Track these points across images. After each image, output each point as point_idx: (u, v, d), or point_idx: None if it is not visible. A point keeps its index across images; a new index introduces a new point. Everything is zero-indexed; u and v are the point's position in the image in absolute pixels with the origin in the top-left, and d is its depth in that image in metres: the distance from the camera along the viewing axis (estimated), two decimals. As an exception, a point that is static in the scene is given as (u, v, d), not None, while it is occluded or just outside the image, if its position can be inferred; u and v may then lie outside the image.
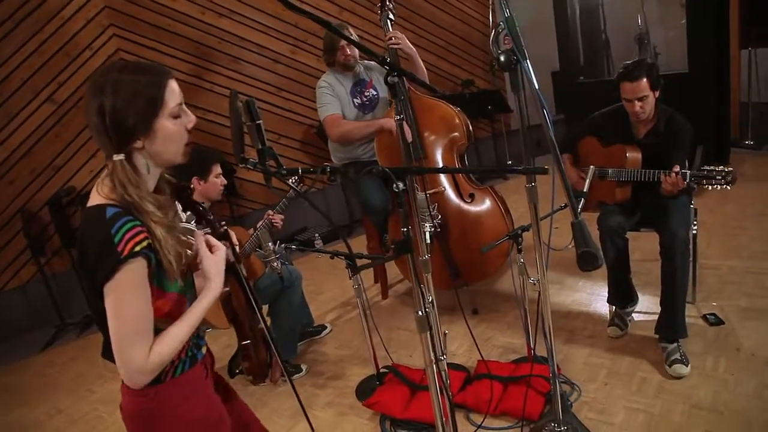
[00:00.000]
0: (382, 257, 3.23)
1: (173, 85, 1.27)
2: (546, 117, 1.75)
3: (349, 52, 3.48)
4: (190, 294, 1.39)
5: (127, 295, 1.18)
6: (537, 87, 1.77)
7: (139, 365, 1.20)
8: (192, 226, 1.64)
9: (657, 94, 2.71)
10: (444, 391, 1.97)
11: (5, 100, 4.36)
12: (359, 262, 2.35)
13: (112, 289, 1.17)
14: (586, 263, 1.79)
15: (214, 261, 1.37)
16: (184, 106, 1.30)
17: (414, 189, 2.09)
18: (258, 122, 1.43)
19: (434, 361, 1.66)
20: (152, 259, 1.21)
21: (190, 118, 1.32)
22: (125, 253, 1.16)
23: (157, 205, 1.25)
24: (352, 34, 3.36)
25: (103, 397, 3.36)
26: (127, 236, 1.17)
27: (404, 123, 2.09)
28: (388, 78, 1.84)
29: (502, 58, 1.81)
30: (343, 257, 2.64)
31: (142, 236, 1.19)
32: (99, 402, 3.32)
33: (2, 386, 3.81)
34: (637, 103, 2.68)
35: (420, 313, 1.61)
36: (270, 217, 3.08)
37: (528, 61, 1.78)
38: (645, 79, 2.64)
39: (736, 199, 4.36)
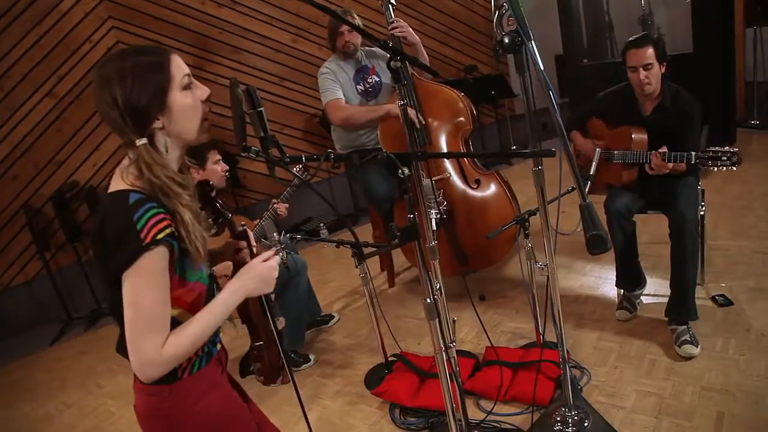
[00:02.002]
0: (388, 245, 3.21)
1: (177, 59, 1.25)
2: (552, 98, 1.72)
3: (347, 39, 3.45)
4: (211, 288, 1.35)
5: (145, 283, 1.15)
6: (542, 68, 1.73)
7: (151, 357, 1.16)
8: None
9: (663, 68, 2.69)
10: (454, 378, 1.96)
11: (6, 94, 4.36)
12: (365, 251, 2.34)
13: (131, 276, 1.14)
14: (595, 246, 1.77)
15: (267, 266, 1.34)
16: (193, 79, 1.28)
17: (420, 175, 2.07)
18: (260, 109, 1.41)
19: (444, 348, 1.65)
20: (175, 247, 1.19)
21: (203, 90, 1.30)
22: (148, 239, 1.12)
23: (183, 185, 1.23)
24: (356, 20, 3.33)
25: (112, 392, 3.37)
26: (151, 222, 1.14)
27: (409, 108, 2.06)
28: (391, 63, 1.81)
29: (506, 40, 1.78)
30: (349, 246, 2.64)
31: (165, 223, 1.16)
32: (108, 396, 3.33)
33: (12, 381, 3.84)
34: (642, 72, 2.66)
35: (428, 300, 1.60)
36: (275, 205, 3.06)
37: (533, 42, 1.74)
38: (651, 48, 2.64)
39: (743, 179, 4.32)
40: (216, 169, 2.85)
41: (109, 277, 1.17)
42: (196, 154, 2.78)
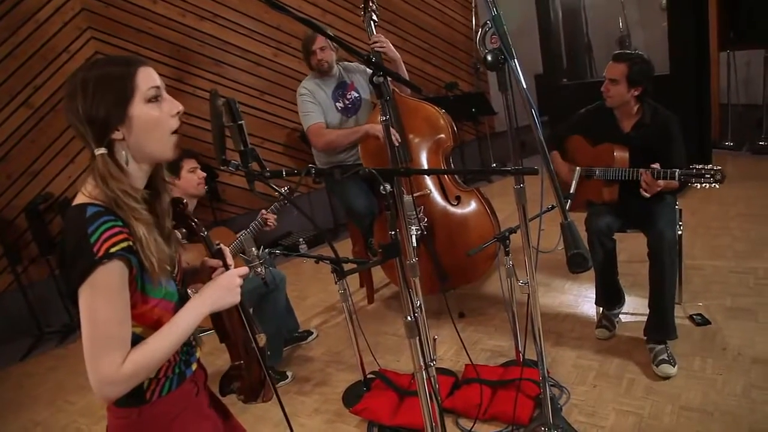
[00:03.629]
0: (369, 262, 3.18)
1: (146, 71, 1.22)
2: (534, 116, 1.73)
3: (320, 57, 3.41)
4: (180, 304, 1.31)
5: (100, 298, 1.11)
6: (525, 86, 1.74)
7: (109, 375, 1.10)
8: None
9: (633, 91, 2.73)
10: (433, 397, 1.93)
11: (-21, 104, 4.26)
12: (346, 268, 2.31)
13: (85, 291, 1.10)
14: (576, 265, 1.76)
15: (228, 274, 1.34)
16: (164, 92, 1.24)
17: (401, 191, 2.06)
18: (240, 122, 1.38)
19: (424, 366, 1.62)
20: (133, 262, 1.15)
21: (172, 104, 1.25)
22: (100, 253, 1.09)
23: (139, 199, 1.20)
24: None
25: (82, 409, 3.26)
26: (105, 235, 1.10)
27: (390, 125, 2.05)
28: (374, 78, 1.81)
29: (489, 58, 1.78)
30: (328, 262, 2.60)
31: (120, 237, 1.12)
32: (78, 414, 3.23)
33: (-23, 399, 3.70)
34: (606, 83, 2.77)
35: (409, 318, 1.58)
36: (264, 216, 3.01)
37: (516, 60, 1.75)
38: (624, 65, 2.70)
39: (718, 200, 4.40)
40: (191, 177, 2.79)
41: (69, 293, 1.13)
42: (169, 164, 2.73)
